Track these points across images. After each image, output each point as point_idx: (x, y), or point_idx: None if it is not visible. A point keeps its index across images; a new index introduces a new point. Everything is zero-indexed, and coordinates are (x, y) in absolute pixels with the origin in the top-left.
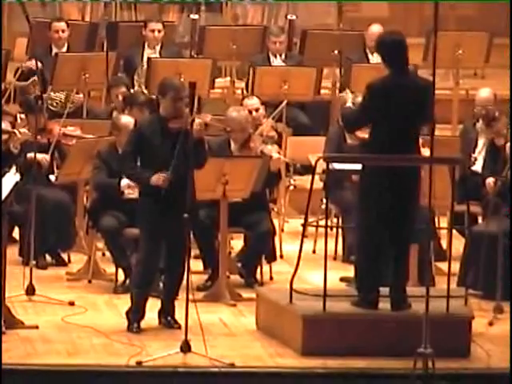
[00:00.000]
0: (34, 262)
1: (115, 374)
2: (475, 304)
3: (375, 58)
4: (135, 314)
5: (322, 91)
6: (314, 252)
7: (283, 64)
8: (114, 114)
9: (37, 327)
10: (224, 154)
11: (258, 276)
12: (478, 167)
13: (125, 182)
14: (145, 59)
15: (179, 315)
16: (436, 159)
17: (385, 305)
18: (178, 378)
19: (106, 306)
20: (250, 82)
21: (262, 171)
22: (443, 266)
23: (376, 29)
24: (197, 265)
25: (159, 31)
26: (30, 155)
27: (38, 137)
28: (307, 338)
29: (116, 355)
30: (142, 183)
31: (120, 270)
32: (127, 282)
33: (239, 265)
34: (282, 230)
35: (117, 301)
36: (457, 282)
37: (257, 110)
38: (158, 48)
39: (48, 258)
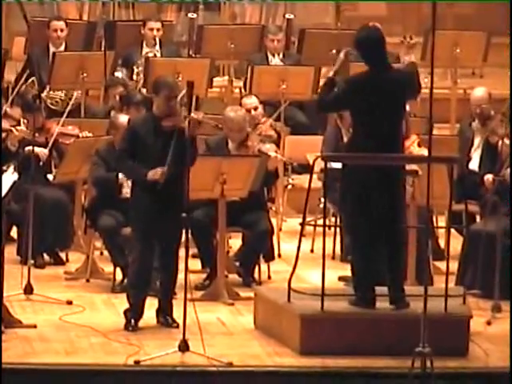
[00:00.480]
0: (32, 261)
1: (113, 373)
2: (473, 303)
3: None
4: (133, 314)
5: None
6: (312, 251)
7: (281, 63)
8: (112, 113)
9: (35, 326)
10: (222, 152)
11: (256, 275)
12: (474, 166)
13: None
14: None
15: (177, 314)
16: (434, 158)
17: (383, 304)
18: (176, 377)
19: (104, 305)
20: (248, 81)
21: (260, 170)
22: (441, 265)
23: None
24: (195, 264)
25: (158, 30)
26: (28, 148)
27: (36, 136)
28: (305, 337)
29: (114, 354)
30: (138, 179)
31: (118, 269)
32: (125, 281)
33: (237, 264)
34: (280, 229)
35: (115, 300)
36: (455, 281)
37: (255, 109)
38: (157, 47)
39: (46, 257)
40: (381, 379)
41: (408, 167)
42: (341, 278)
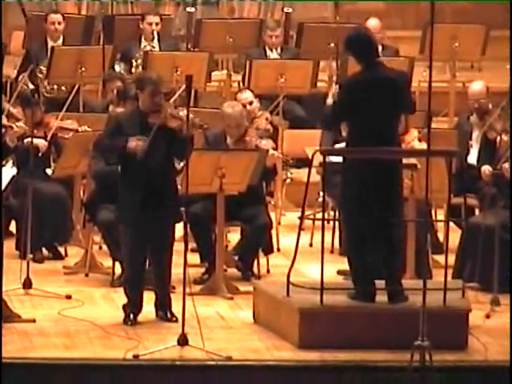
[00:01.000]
0: (30, 256)
1: (112, 367)
2: (472, 296)
3: None
4: (132, 308)
5: (319, 84)
6: (310, 245)
7: (280, 57)
8: (110, 107)
9: (34, 321)
10: (220, 146)
11: (255, 269)
12: (472, 160)
13: None
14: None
15: (176, 308)
16: (433, 152)
17: (382, 298)
18: (175, 371)
19: (102, 299)
20: (247, 75)
21: (258, 164)
22: (440, 258)
23: (373, 22)
24: (194, 258)
25: (157, 24)
26: (27, 140)
27: (35, 131)
28: (304, 331)
29: (113, 348)
30: (118, 151)
31: (117, 264)
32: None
33: (236, 258)
34: (279, 223)
35: (114, 294)
36: (453, 275)
37: (250, 104)
38: (155, 41)
39: (45, 251)
40: (380, 373)
41: (407, 161)
42: (340, 272)
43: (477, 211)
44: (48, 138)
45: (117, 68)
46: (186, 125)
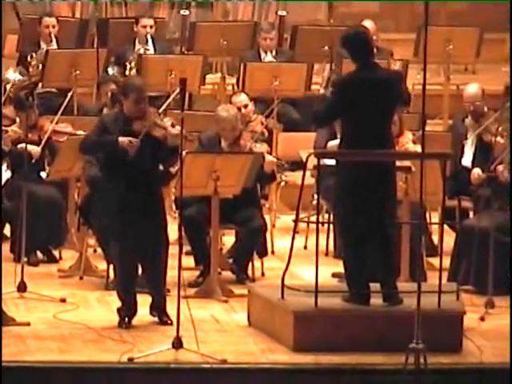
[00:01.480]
0: (25, 259)
1: (107, 370)
2: (467, 299)
3: None
4: (126, 311)
5: (313, 87)
6: (305, 248)
7: (274, 60)
8: (105, 110)
9: (28, 324)
10: (214, 149)
11: (250, 272)
12: (467, 162)
13: None
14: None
15: (171, 311)
16: (427, 154)
17: (377, 300)
18: (169, 374)
19: (97, 302)
20: (241, 78)
21: (253, 167)
22: (435, 261)
23: (367, 24)
24: (188, 261)
25: (151, 27)
26: (21, 145)
27: (29, 134)
28: (299, 334)
29: (108, 352)
30: (108, 146)
31: (111, 267)
32: None
33: (231, 261)
34: (274, 226)
35: (108, 297)
36: (447, 277)
37: (245, 107)
38: (149, 44)
39: (39, 254)
40: (374, 375)
41: (401, 163)
42: (334, 275)
43: (471, 214)
44: (43, 141)
45: (110, 71)
46: (169, 134)
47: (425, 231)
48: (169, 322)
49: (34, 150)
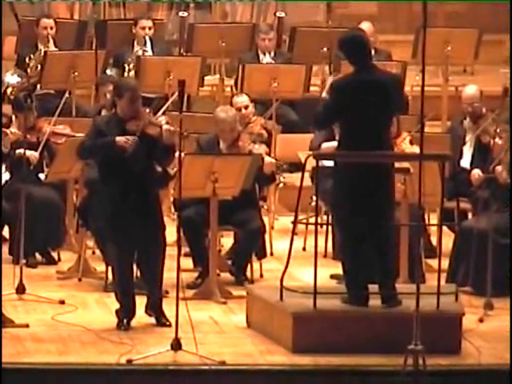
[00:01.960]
0: (24, 261)
1: (106, 372)
2: (465, 300)
3: None
4: (124, 313)
5: (312, 88)
6: (304, 249)
7: (272, 62)
8: (103, 112)
9: (27, 326)
10: (213, 151)
11: (249, 274)
12: (466, 164)
13: None
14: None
15: (169, 313)
16: (426, 156)
17: (375, 302)
18: (168, 375)
19: (96, 304)
20: (239, 79)
21: (251, 169)
22: (433, 262)
23: (366, 26)
24: (187, 263)
25: (149, 29)
26: (19, 151)
27: (28, 135)
28: (298, 336)
29: (106, 353)
30: (105, 148)
31: (110, 268)
32: None
33: (229, 262)
34: (272, 228)
35: (107, 299)
36: (445, 279)
37: (246, 108)
38: (148, 45)
39: (38, 256)
40: (373, 377)
41: (399, 165)
42: (333, 276)
43: (470, 215)
44: (42, 143)
45: (109, 73)
46: (164, 131)
47: (423, 233)
48: (167, 323)
49: (33, 155)
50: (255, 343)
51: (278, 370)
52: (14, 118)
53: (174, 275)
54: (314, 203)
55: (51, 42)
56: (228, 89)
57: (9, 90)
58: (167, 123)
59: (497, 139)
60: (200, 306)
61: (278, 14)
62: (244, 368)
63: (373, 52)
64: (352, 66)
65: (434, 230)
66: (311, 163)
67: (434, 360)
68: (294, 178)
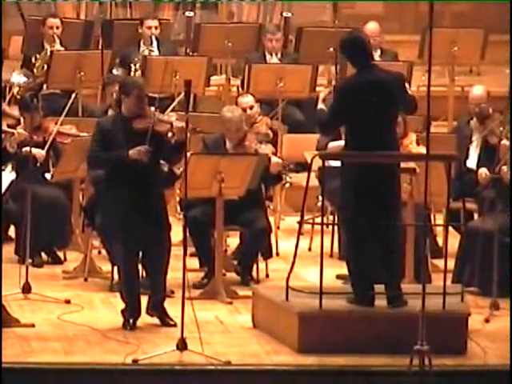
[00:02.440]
0: (29, 260)
1: (111, 371)
2: (471, 301)
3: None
4: (130, 313)
5: (318, 88)
6: (309, 249)
7: (279, 62)
8: (110, 112)
9: (33, 325)
10: (219, 151)
11: (254, 274)
12: (472, 164)
13: None
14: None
15: (175, 313)
16: (432, 156)
17: (381, 302)
18: (174, 375)
19: (102, 304)
20: (246, 79)
21: (257, 169)
22: (439, 262)
23: (372, 26)
24: (193, 263)
25: (156, 28)
26: (26, 149)
27: (34, 135)
28: (303, 336)
29: (112, 353)
30: (121, 161)
31: (116, 268)
32: None
33: (235, 262)
34: (278, 228)
35: (113, 299)
36: (451, 279)
37: (251, 108)
38: (154, 45)
39: (44, 256)
40: (379, 377)
41: (406, 165)
42: (339, 277)
43: (476, 215)
44: (48, 143)
45: (115, 73)
46: (175, 128)
47: (429, 233)
48: (171, 322)
49: (39, 153)
50: (261, 343)
51: (283, 370)
52: (22, 119)
53: (180, 275)
54: (320, 203)
55: (57, 41)
56: (234, 89)
57: (15, 90)
58: (177, 120)
59: (504, 140)
60: (206, 306)
61: (284, 14)
62: (250, 368)
63: (379, 52)
64: (353, 67)
65: (439, 230)
66: (317, 163)
67: (439, 360)
68: (300, 178)
